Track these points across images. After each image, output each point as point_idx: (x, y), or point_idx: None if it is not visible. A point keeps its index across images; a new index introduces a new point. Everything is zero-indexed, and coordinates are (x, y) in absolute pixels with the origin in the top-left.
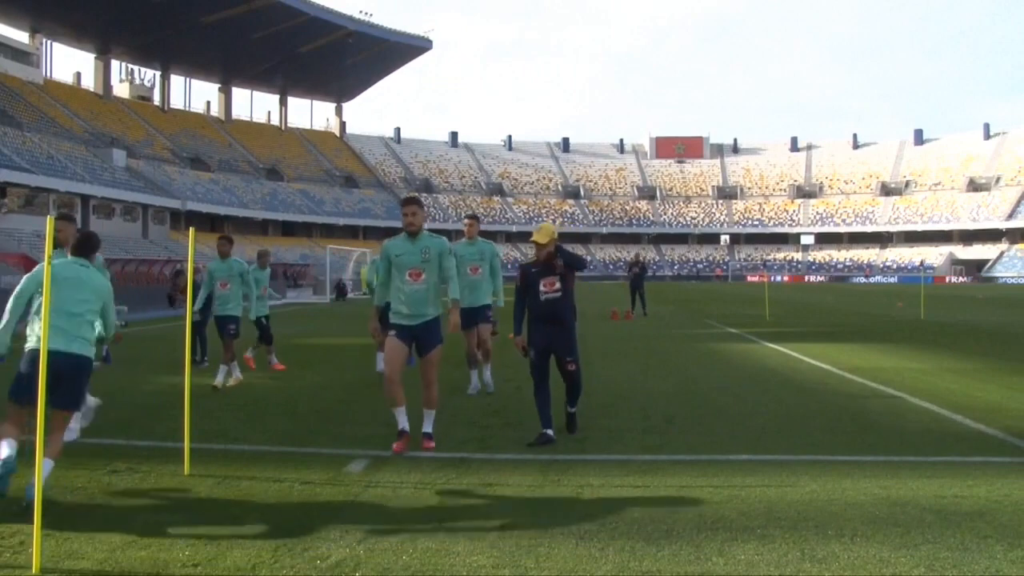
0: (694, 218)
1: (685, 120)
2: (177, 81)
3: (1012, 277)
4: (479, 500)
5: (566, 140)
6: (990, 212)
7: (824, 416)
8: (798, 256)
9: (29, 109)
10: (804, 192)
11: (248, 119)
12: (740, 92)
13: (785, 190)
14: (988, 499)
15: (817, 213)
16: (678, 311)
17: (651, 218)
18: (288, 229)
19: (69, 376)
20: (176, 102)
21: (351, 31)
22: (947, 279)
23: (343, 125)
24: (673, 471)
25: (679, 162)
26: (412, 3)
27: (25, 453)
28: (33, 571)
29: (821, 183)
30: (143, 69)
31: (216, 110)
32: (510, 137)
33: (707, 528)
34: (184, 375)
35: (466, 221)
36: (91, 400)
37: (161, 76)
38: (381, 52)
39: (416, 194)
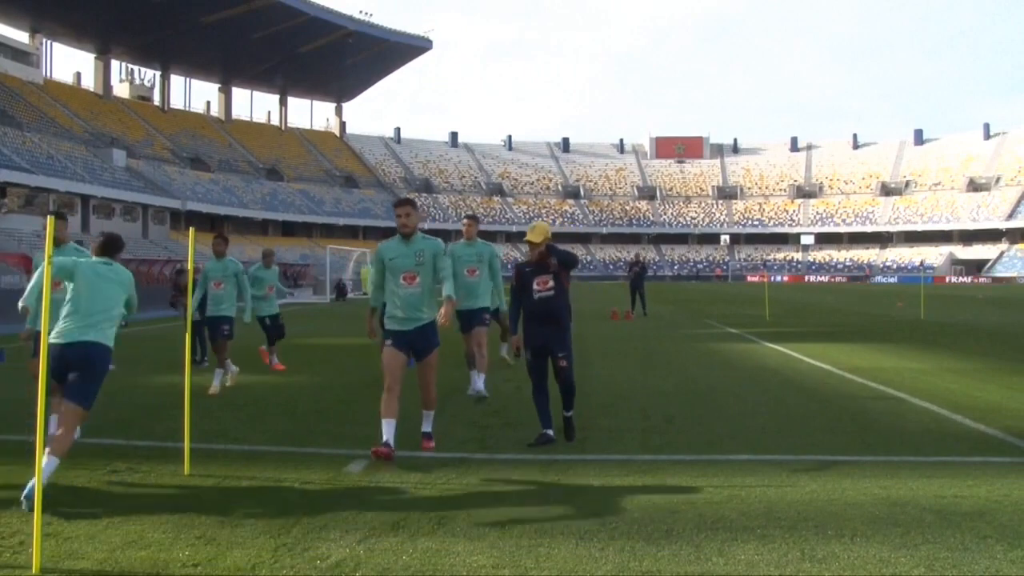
0: (694, 218)
1: (685, 120)
2: (177, 81)
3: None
4: (479, 500)
5: (566, 140)
6: (990, 212)
7: (824, 416)
8: (798, 256)
9: (29, 109)
10: (804, 192)
11: (248, 119)
12: (740, 92)
13: (785, 190)
14: (988, 499)
15: (817, 213)
16: (678, 311)
17: (651, 218)
18: (288, 229)
19: (81, 364)
20: (176, 102)
21: (351, 31)
22: (947, 279)
23: (343, 125)
24: (673, 471)
25: (679, 162)
26: (412, 3)
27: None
28: (33, 571)
29: (821, 183)
30: (143, 69)
31: (216, 110)
32: (510, 137)
33: (707, 528)
34: (184, 375)
35: (464, 221)
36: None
37: (161, 76)
38: (381, 52)
39: (409, 196)
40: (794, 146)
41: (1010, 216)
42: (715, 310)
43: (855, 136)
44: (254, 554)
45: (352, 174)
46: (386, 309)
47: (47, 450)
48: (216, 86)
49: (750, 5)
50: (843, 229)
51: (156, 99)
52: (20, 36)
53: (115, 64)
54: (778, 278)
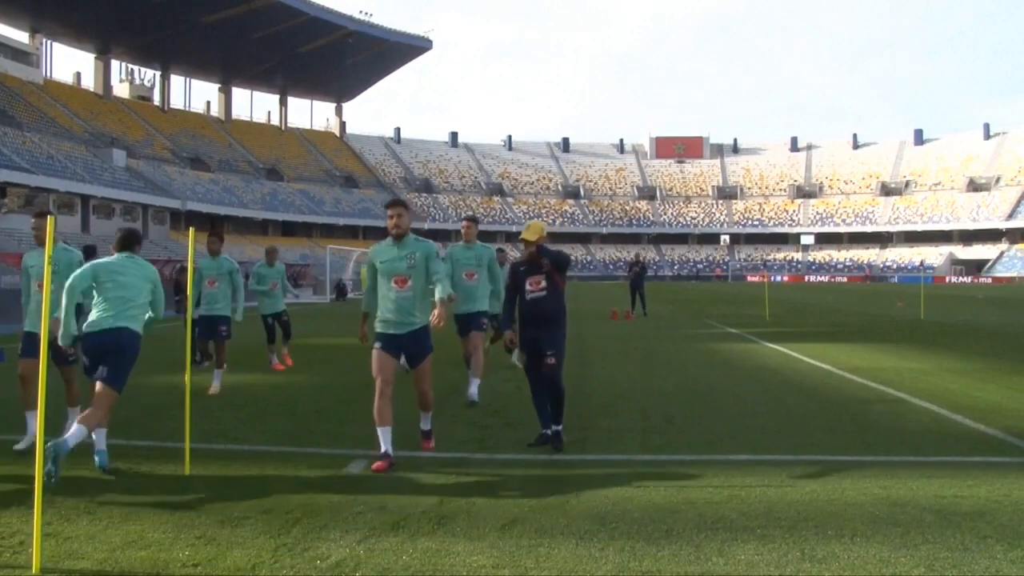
0: (694, 218)
1: (685, 120)
2: (177, 81)
3: None
4: (479, 500)
5: (566, 140)
6: (990, 212)
7: (824, 416)
8: (798, 256)
9: (29, 109)
10: (804, 192)
11: (248, 119)
12: (740, 92)
13: (785, 190)
14: (988, 499)
15: (817, 213)
16: (678, 311)
17: (651, 218)
18: (288, 229)
19: (113, 349)
20: (176, 102)
21: (351, 31)
22: (947, 279)
23: (343, 125)
24: (673, 471)
25: (679, 162)
26: (412, 3)
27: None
28: (33, 571)
29: (821, 183)
30: (143, 69)
31: (216, 110)
32: (510, 137)
33: (707, 528)
34: (184, 375)
35: (464, 223)
36: (77, 426)
37: (161, 76)
38: (381, 52)
39: (400, 197)
40: (794, 146)
41: (1010, 216)
42: (715, 310)
43: (855, 136)
44: (254, 554)
45: (352, 174)
46: (378, 312)
47: (76, 419)
48: (216, 86)
49: (750, 5)
50: (843, 229)
51: (156, 99)
52: (20, 36)
53: (115, 64)
54: (778, 278)
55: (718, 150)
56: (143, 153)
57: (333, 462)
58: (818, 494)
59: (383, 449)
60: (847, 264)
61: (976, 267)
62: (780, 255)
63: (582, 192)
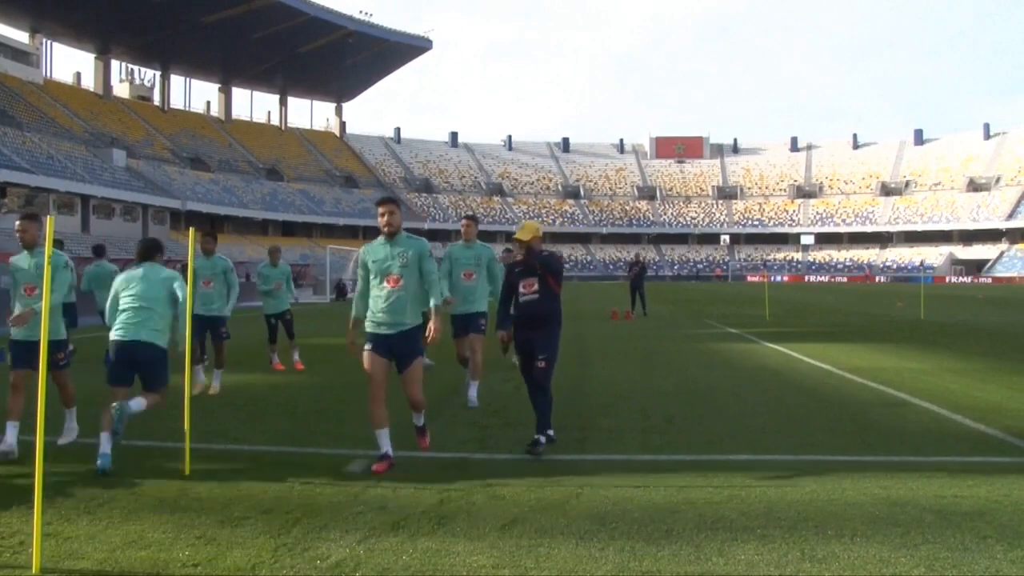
0: (694, 218)
1: (685, 120)
2: (177, 81)
3: None
4: (479, 500)
5: (566, 140)
6: (990, 212)
7: (824, 416)
8: (798, 256)
9: (29, 109)
10: (804, 192)
11: (248, 119)
12: (740, 92)
13: (785, 190)
14: (988, 499)
15: (817, 213)
16: (678, 311)
17: (651, 218)
18: (288, 229)
19: (145, 361)
20: (176, 102)
21: (351, 31)
22: (947, 279)
23: (343, 125)
24: (673, 471)
25: (679, 162)
26: (412, 3)
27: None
28: (33, 571)
29: (821, 183)
30: (143, 69)
31: (216, 110)
32: (510, 137)
33: (707, 528)
34: (184, 375)
35: (463, 222)
36: (73, 423)
37: (161, 76)
38: (381, 52)
39: (391, 195)
40: (794, 146)
41: (1010, 216)
42: (715, 310)
43: (855, 136)
44: (254, 554)
45: (352, 174)
46: (369, 312)
47: (143, 399)
48: (216, 86)
49: (750, 5)
50: (843, 229)
51: (156, 99)
52: (20, 36)
53: (115, 64)
54: (778, 278)
55: (718, 150)
56: (143, 153)
57: (333, 462)
58: (818, 494)
59: (383, 450)
60: (847, 264)
61: (976, 267)
62: (780, 255)
63: (582, 192)
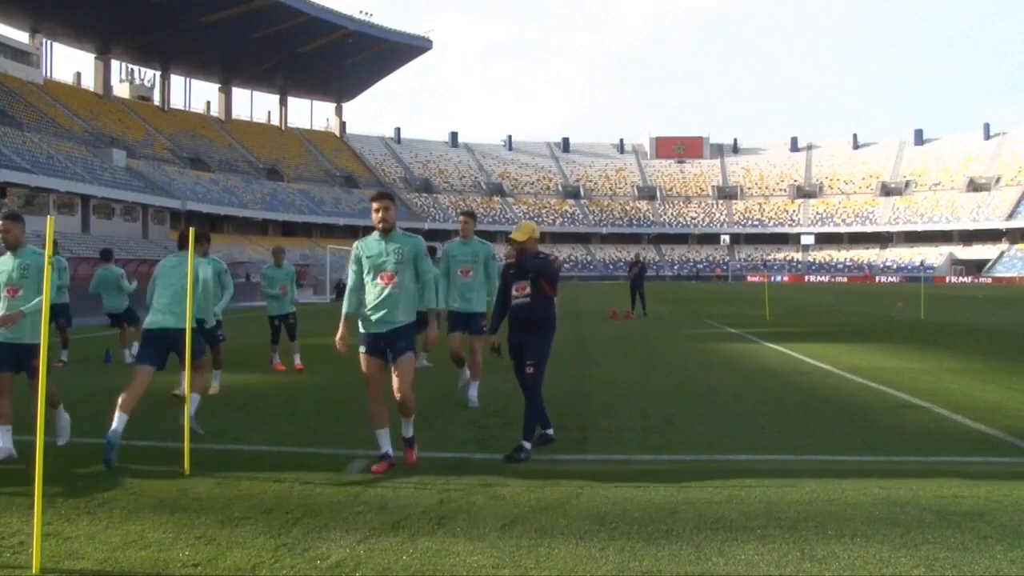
0: (694, 218)
1: (685, 120)
2: (177, 81)
3: None
4: (479, 500)
5: (566, 140)
6: (990, 212)
7: (824, 416)
8: (798, 256)
9: (29, 109)
10: (804, 192)
11: (248, 119)
12: (740, 92)
13: (785, 190)
14: (988, 499)
15: (817, 213)
16: (678, 311)
17: (651, 218)
18: (288, 229)
19: (171, 345)
20: (176, 102)
21: (351, 31)
22: (947, 279)
23: (343, 125)
24: (673, 471)
25: (679, 162)
26: (412, 3)
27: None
28: (33, 571)
29: (821, 183)
30: (143, 69)
31: (216, 110)
32: (510, 137)
33: (707, 528)
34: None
35: (461, 218)
36: (64, 417)
37: (161, 76)
38: (381, 52)
39: (387, 191)
40: (794, 146)
41: (1010, 216)
42: (715, 310)
43: (855, 136)
44: (254, 554)
45: (352, 174)
46: (361, 310)
47: (192, 392)
48: (216, 86)
49: (750, 5)
50: (843, 229)
51: (156, 99)
52: (20, 36)
53: (115, 64)
54: (778, 278)
55: (718, 150)
56: (143, 153)
57: (333, 462)
58: (818, 494)
59: (383, 450)
60: (847, 264)
61: (976, 267)
62: (780, 255)
63: (582, 192)
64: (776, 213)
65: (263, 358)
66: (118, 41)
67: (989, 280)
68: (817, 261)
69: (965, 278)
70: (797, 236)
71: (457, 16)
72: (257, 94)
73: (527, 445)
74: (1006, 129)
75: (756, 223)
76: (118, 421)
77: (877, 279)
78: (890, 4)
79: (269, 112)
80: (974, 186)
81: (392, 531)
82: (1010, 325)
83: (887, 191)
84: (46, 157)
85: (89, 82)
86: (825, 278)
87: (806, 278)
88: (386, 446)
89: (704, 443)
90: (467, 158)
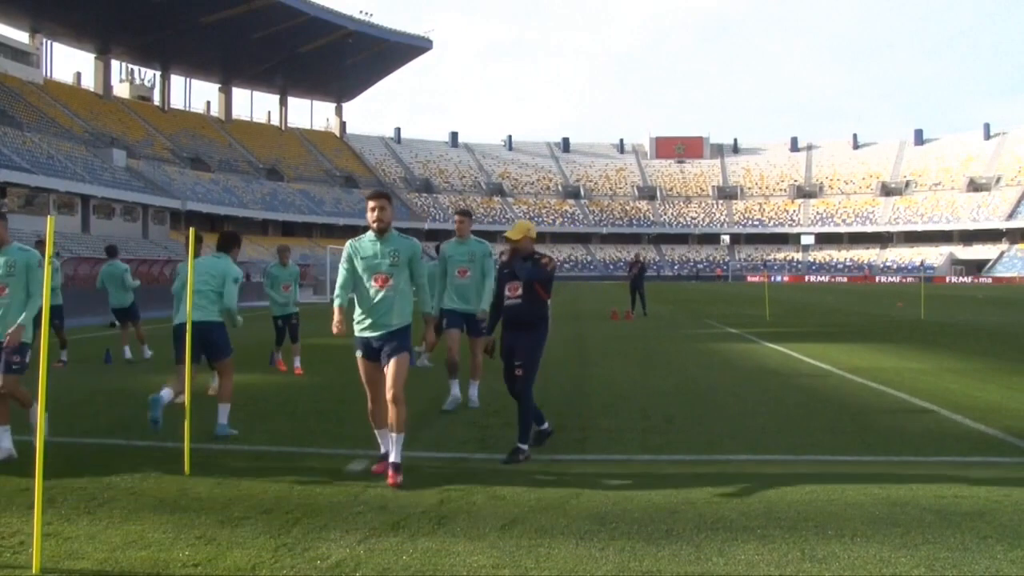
0: (694, 218)
1: (685, 120)
2: (177, 81)
3: None
4: (479, 500)
5: (566, 140)
6: (990, 212)
7: (824, 416)
8: (798, 256)
9: (29, 109)
10: (804, 192)
11: (248, 119)
12: (740, 92)
13: (785, 190)
14: (988, 499)
15: (817, 213)
16: (678, 311)
17: (651, 218)
18: (288, 229)
19: (203, 340)
20: (176, 102)
21: (351, 31)
22: (947, 279)
23: (343, 125)
24: (673, 471)
25: (679, 162)
26: (412, 3)
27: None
28: (33, 571)
29: (821, 183)
30: (143, 69)
31: (216, 110)
32: (510, 137)
33: (707, 528)
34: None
35: (456, 217)
36: (35, 415)
37: (161, 76)
38: (381, 52)
39: (383, 191)
40: (794, 146)
41: (1010, 216)
42: (715, 310)
43: (855, 136)
44: (254, 554)
45: (352, 174)
46: (355, 314)
47: (219, 400)
48: (216, 86)
49: (750, 5)
50: (843, 229)
51: (156, 99)
52: (20, 36)
53: (115, 64)
54: (778, 278)
55: (718, 150)
56: (143, 153)
57: (333, 462)
58: (818, 494)
59: (383, 450)
60: (847, 264)
61: (976, 267)
62: (780, 255)
63: (582, 192)
64: (776, 213)
65: (263, 358)
66: (118, 41)
67: (989, 280)
68: (817, 261)
69: (965, 278)
70: (797, 236)
71: (457, 16)
72: (257, 94)
73: (524, 447)
74: (1006, 129)
75: (756, 223)
76: (165, 392)
77: (877, 279)
78: (890, 4)
79: (269, 112)
80: (974, 186)
81: (392, 531)
82: (1010, 325)
83: (887, 191)
84: (46, 157)
85: (89, 82)
86: (825, 278)
87: (806, 278)
88: (386, 446)
89: (704, 443)
90: (467, 158)
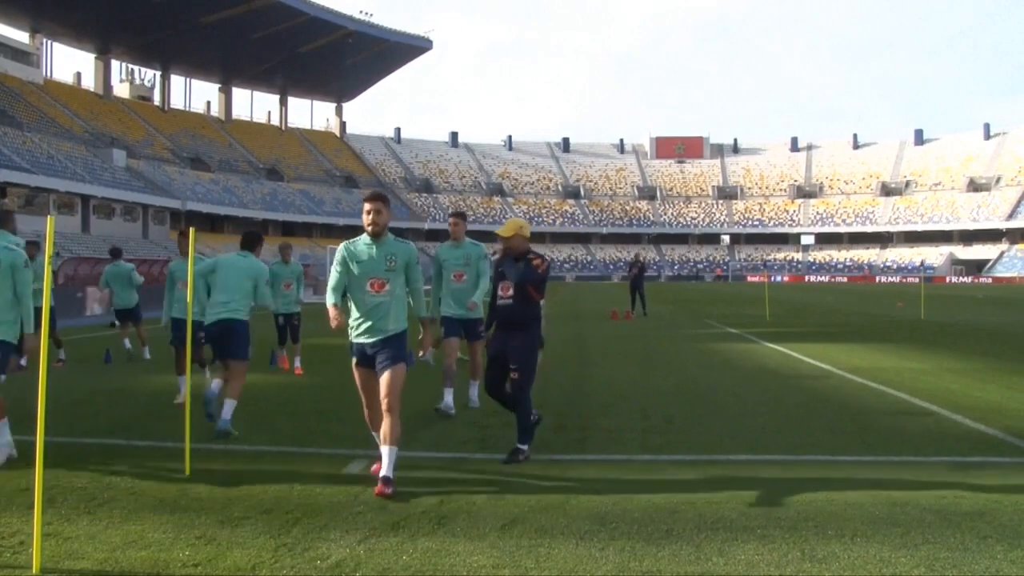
0: (694, 218)
1: (685, 120)
2: (177, 81)
3: None
4: (479, 500)
5: (566, 140)
6: (990, 212)
7: (824, 416)
8: (798, 256)
9: (29, 109)
10: (804, 192)
11: (248, 119)
12: (740, 92)
13: (785, 190)
14: (988, 499)
15: (817, 213)
16: (678, 311)
17: (651, 218)
18: (288, 229)
19: (227, 335)
20: (176, 102)
21: (351, 31)
22: (947, 279)
23: (343, 125)
24: (673, 471)
25: (679, 162)
26: (412, 3)
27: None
28: (33, 571)
29: (821, 183)
30: (143, 69)
31: (216, 110)
32: (510, 137)
33: (707, 528)
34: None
35: (451, 220)
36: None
37: (161, 76)
38: (381, 52)
39: (380, 192)
40: (794, 146)
41: (1010, 216)
42: (715, 310)
43: (855, 136)
44: (254, 554)
45: (352, 174)
46: (350, 320)
47: (226, 397)
48: (216, 86)
49: (750, 5)
50: (843, 229)
51: (156, 99)
52: (20, 36)
53: (115, 64)
54: (778, 278)
55: (718, 150)
56: (143, 153)
57: (333, 462)
58: (818, 494)
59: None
60: (847, 264)
61: (976, 267)
62: (780, 255)
63: (582, 192)
64: (776, 213)
65: (263, 358)
66: (118, 41)
67: (989, 280)
68: (817, 261)
69: (965, 278)
70: (797, 236)
71: (457, 16)
72: (257, 94)
73: (524, 447)
74: (1006, 129)
75: (756, 223)
76: (215, 384)
77: (877, 279)
78: (890, 4)
79: (269, 112)
80: (974, 186)
81: (392, 531)
82: (1010, 325)
83: (887, 191)
84: (46, 157)
85: (89, 82)
86: (825, 278)
87: (806, 278)
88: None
89: (704, 443)
90: (467, 158)
